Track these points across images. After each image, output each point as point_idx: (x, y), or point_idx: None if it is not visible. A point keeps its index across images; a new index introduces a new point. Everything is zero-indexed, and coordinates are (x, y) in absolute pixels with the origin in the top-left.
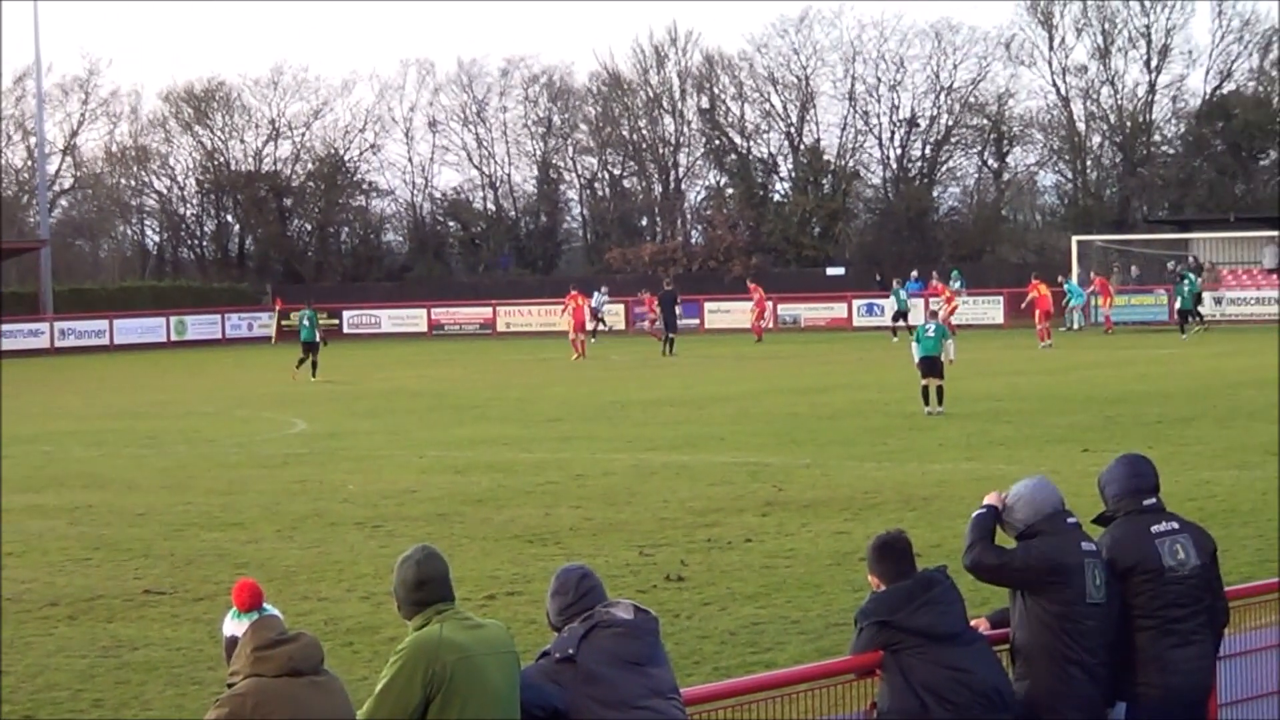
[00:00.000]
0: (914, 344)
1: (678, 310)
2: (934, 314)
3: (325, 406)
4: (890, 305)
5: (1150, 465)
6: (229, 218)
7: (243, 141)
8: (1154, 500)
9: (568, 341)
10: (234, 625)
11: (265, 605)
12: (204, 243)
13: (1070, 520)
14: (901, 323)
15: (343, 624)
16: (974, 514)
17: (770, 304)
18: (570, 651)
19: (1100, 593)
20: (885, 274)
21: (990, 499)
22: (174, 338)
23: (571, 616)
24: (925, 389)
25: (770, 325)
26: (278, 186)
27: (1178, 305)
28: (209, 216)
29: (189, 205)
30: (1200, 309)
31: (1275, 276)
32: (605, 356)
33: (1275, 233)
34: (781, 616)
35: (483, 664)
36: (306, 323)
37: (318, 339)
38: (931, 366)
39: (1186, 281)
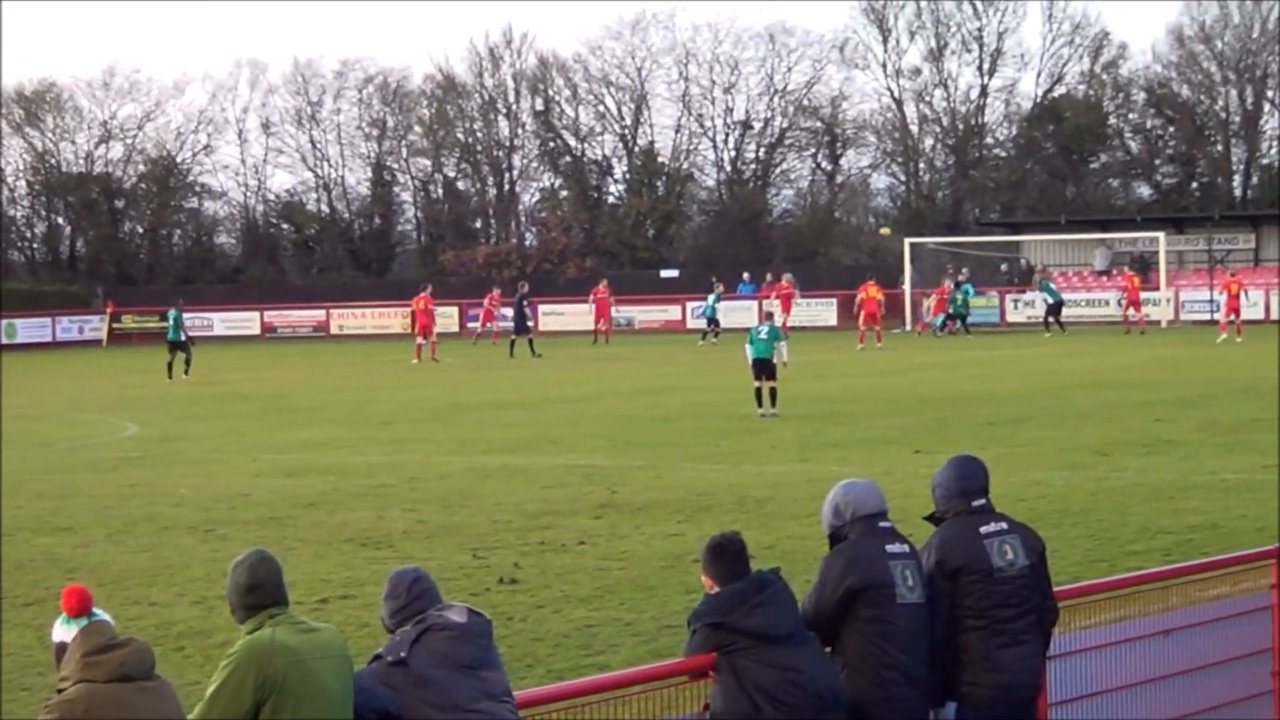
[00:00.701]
0: (747, 345)
1: (526, 312)
2: (769, 315)
3: (157, 410)
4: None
5: (980, 466)
6: (60, 220)
7: (74, 143)
8: (983, 501)
9: (414, 345)
10: (63, 631)
11: (95, 610)
12: (34, 245)
13: (883, 525)
14: (712, 327)
15: (174, 628)
16: None
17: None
18: (402, 655)
19: (915, 593)
20: (721, 276)
21: None
22: (4, 341)
23: (404, 619)
24: (759, 390)
25: (605, 328)
26: (109, 188)
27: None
28: (39, 218)
29: (19, 207)
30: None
31: (1105, 279)
32: (441, 359)
33: (1105, 235)
34: (615, 619)
35: (315, 668)
36: (171, 322)
37: (183, 338)
38: (764, 368)
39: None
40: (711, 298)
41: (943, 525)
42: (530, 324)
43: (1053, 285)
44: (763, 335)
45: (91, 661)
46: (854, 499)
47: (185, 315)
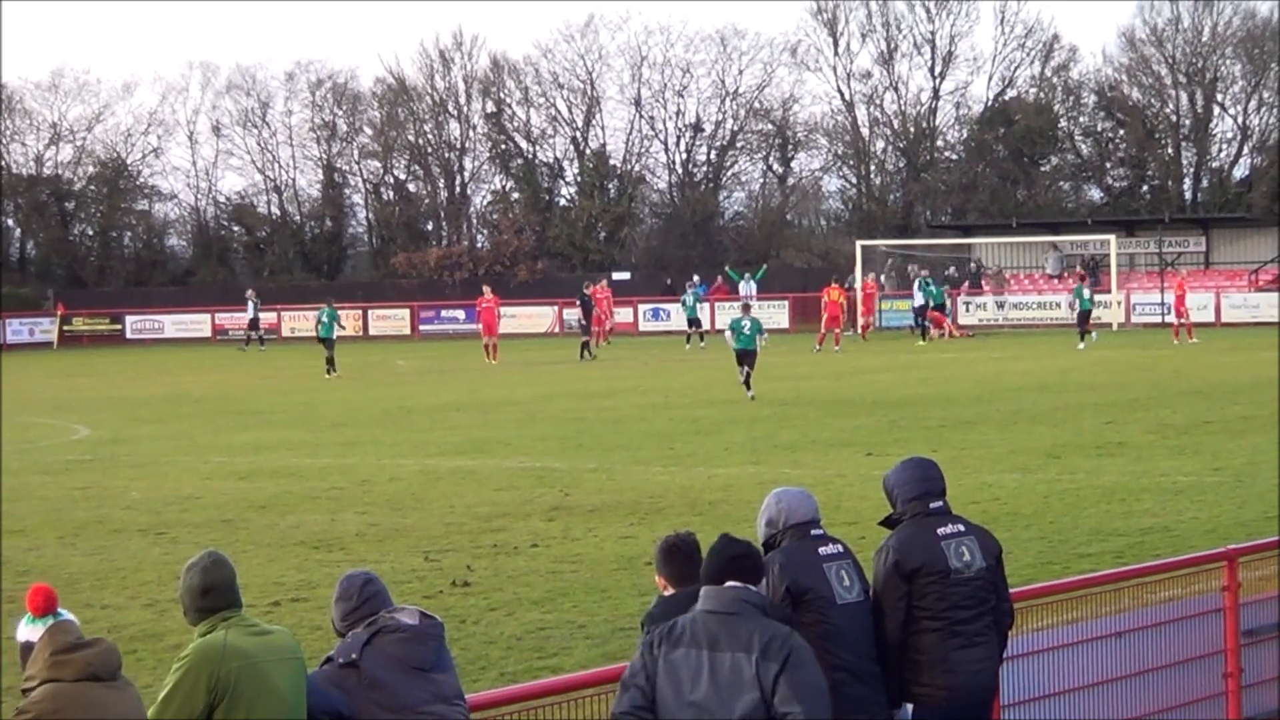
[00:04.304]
0: (728, 332)
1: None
2: (746, 307)
3: (107, 412)
4: (681, 311)
5: (936, 468)
6: (9, 222)
7: (23, 145)
8: (940, 503)
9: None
10: (29, 630)
11: (60, 610)
12: None
13: (815, 532)
14: (695, 328)
15: (126, 631)
16: None
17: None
18: (354, 657)
19: (853, 592)
20: (674, 279)
21: None
22: None
23: (355, 622)
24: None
25: (557, 330)
26: (59, 191)
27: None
28: None
29: None
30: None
31: (1056, 281)
32: (392, 362)
33: (1056, 238)
34: (568, 621)
35: (268, 670)
36: (325, 319)
37: (334, 336)
38: (746, 357)
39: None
40: (689, 297)
41: (900, 526)
42: (588, 325)
43: (932, 285)
44: (745, 330)
45: (59, 660)
46: (786, 507)
47: (135, 318)
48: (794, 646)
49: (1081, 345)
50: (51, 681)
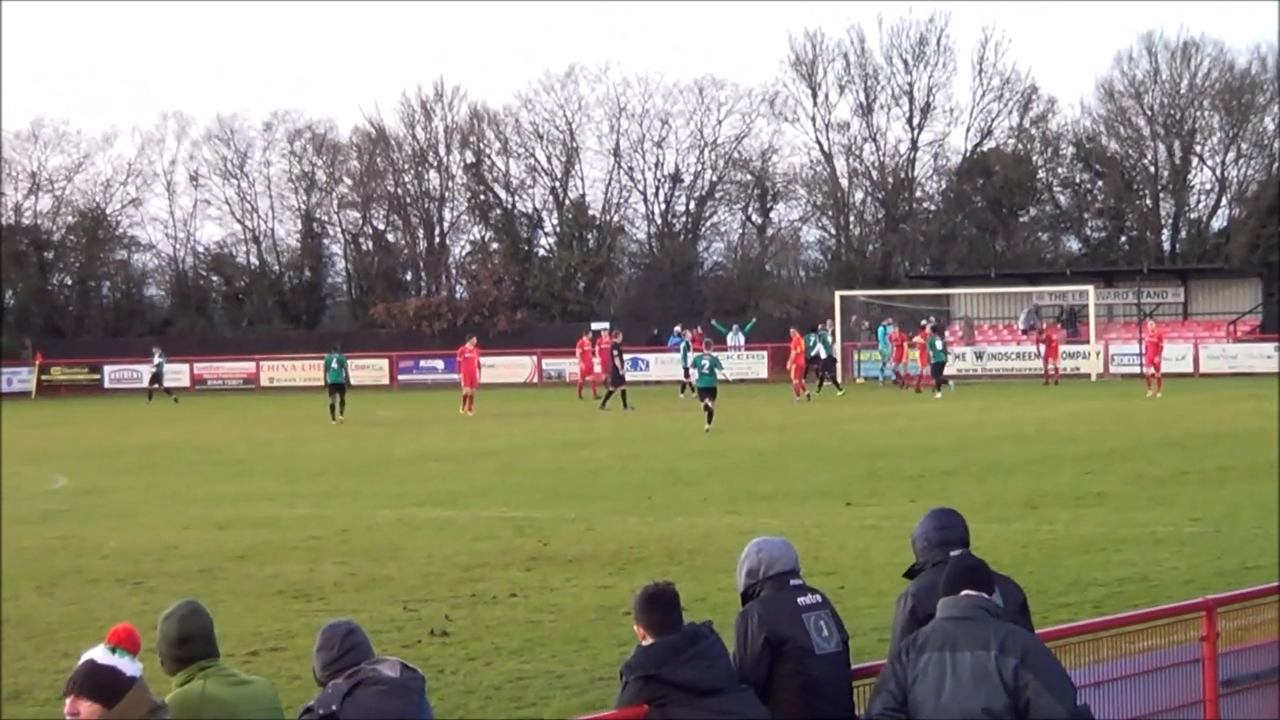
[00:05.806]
0: (692, 369)
1: (619, 363)
2: (708, 344)
3: (86, 462)
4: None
5: (957, 517)
6: None
7: (2, 195)
8: (961, 552)
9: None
10: (129, 665)
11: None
12: None
13: (794, 582)
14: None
15: None
16: None
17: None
18: (334, 709)
19: (831, 642)
20: (659, 329)
21: None
22: None
23: (336, 672)
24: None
25: (536, 380)
26: (38, 240)
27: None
28: None
29: None
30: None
31: (1034, 334)
32: (371, 412)
33: (1034, 288)
34: (546, 671)
35: None
36: (335, 364)
37: (344, 380)
38: (709, 394)
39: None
40: (683, 345)
41: (920, 575)
42: (623, 375)
43: (829, 338)
44: (706, 368)
45: None
46: (767, 557)
47: (113, 368)
48: (1028, 641)
49: (938, 395)
50: None
